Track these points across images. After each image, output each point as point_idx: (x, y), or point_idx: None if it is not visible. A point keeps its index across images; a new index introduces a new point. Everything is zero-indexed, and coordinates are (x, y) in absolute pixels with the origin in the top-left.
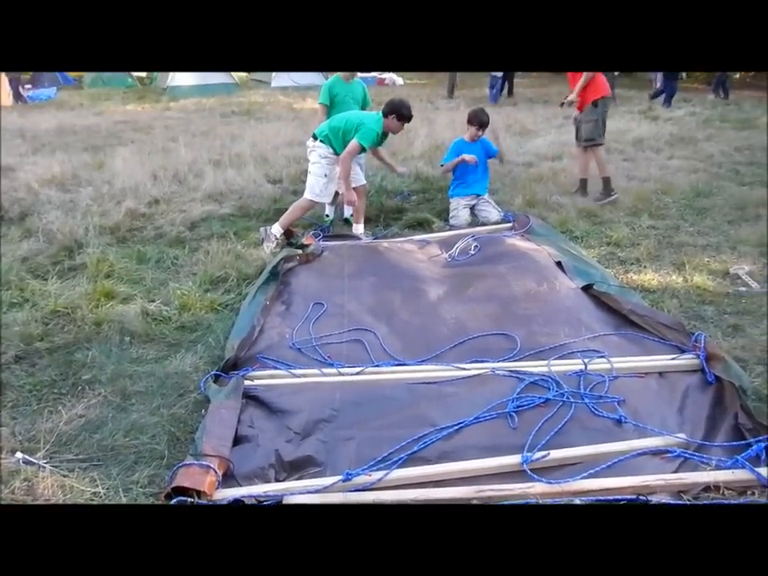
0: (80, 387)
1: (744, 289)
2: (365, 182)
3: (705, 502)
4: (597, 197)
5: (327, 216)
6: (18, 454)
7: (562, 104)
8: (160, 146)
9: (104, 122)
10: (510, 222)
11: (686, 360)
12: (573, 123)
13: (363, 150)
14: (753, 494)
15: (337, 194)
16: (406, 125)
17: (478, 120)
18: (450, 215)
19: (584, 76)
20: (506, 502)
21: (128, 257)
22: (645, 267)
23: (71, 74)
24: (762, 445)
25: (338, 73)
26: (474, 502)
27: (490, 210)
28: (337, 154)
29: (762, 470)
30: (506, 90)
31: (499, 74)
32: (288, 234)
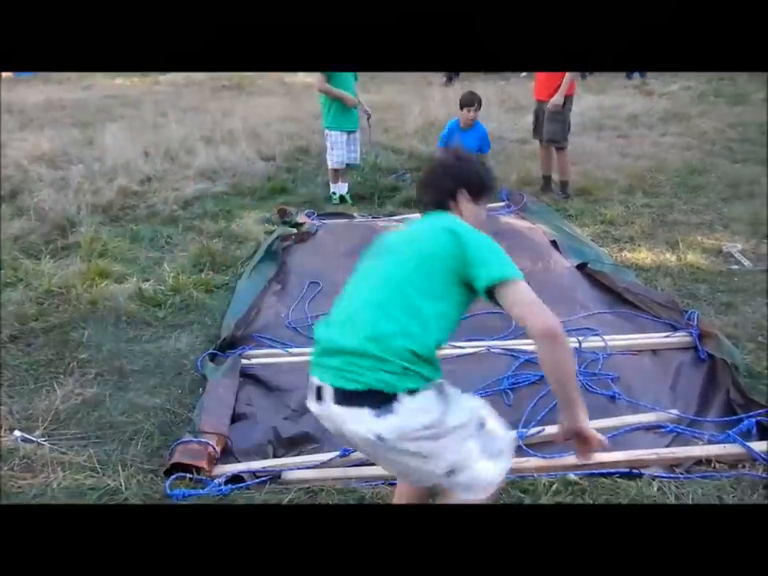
0: (77, 366)
1: (737, 267)
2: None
3: (696, 475)
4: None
5: (334, 194)
6: (17, 432)
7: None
8: (150, 122)
9: (92, 96)
10: (504, 200)
11: (679, 337)
12: (533, 115)
13: None
14: (744, 467)
15: (338, 171)
16: None
17: (465, 101)
18: None
19: (568, 75)
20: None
21: (121, 236)
22: (639, 245)
23: None
24: (753, 420)
25: None
26: None
27: None
28: None
29: (753, 444)
30: None
31: None
32: (282, 212)
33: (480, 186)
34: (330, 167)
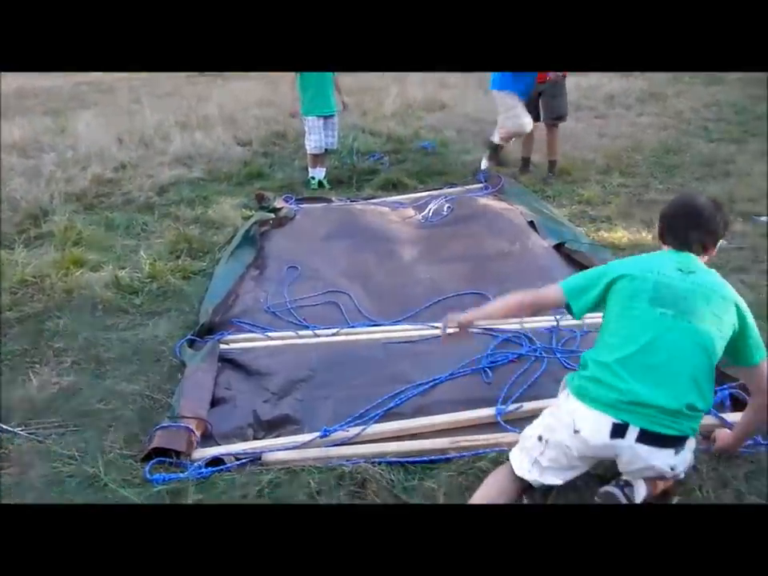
0: (53, 355)
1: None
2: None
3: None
4: (545, 178)
5: (312, 179)
6: None
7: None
8: (124, 109)
9: (65, 83)
10: (482, 181)
11: None
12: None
13: None
14: None
15: (317, 156)
16: None
17: None
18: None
19: None
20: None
21: (96, 224)
22: (615, 225)
23: None
24: (726, 392)
25: None
26: (450, 452)
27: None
28: None
29: (727, 416)
30: None
31: None
32: (259, 198)
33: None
34: (308, 152)
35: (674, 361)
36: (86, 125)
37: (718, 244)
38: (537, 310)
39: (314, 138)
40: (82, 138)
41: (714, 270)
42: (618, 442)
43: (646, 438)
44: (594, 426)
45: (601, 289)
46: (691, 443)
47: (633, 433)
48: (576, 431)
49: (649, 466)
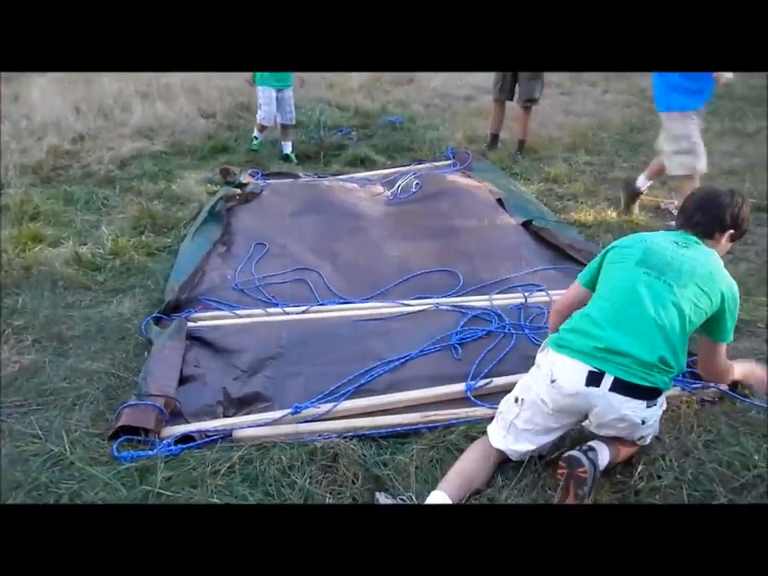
0: (12, 333)
1: (673, 223)
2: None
3: None
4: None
5: (255, 138)
6: None
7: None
8: (81, 76)
9: None
10: (450, 158)
11: None
12: (497, 75)
13: None
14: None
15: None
16: None
17: None
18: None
19: None
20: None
21: (54, 198)
22: (581, 203)
23: None
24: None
25: None
26: (421, 427)
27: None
28: None
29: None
30: None
31: None
32: (225, 172)
33: (743, 233)
34: (257, 122)
35: (650, 316)
36: (41, 92)
37: (727, 234)
38: (571, 309)
39: (264, 110)
40: (36, 106)
41: (714, 252)
42: (593, 390)
43: (619, 386)
44: (571, 374)
45: (599, 260)
46: (663, 404)
47: (607, 381)
48: (553, 381)
49: (621, 415)
